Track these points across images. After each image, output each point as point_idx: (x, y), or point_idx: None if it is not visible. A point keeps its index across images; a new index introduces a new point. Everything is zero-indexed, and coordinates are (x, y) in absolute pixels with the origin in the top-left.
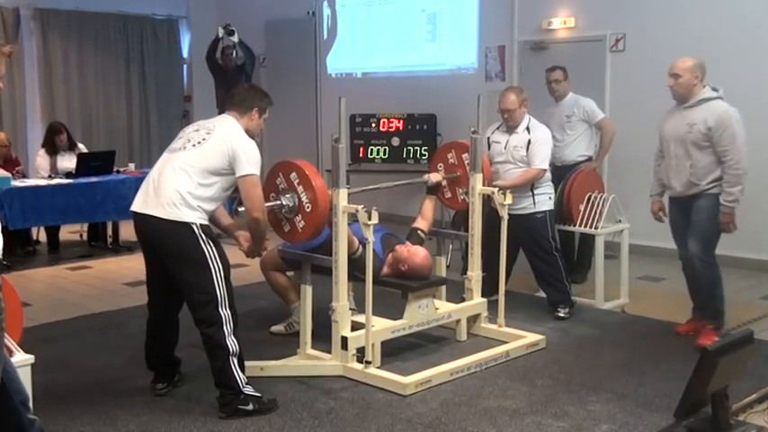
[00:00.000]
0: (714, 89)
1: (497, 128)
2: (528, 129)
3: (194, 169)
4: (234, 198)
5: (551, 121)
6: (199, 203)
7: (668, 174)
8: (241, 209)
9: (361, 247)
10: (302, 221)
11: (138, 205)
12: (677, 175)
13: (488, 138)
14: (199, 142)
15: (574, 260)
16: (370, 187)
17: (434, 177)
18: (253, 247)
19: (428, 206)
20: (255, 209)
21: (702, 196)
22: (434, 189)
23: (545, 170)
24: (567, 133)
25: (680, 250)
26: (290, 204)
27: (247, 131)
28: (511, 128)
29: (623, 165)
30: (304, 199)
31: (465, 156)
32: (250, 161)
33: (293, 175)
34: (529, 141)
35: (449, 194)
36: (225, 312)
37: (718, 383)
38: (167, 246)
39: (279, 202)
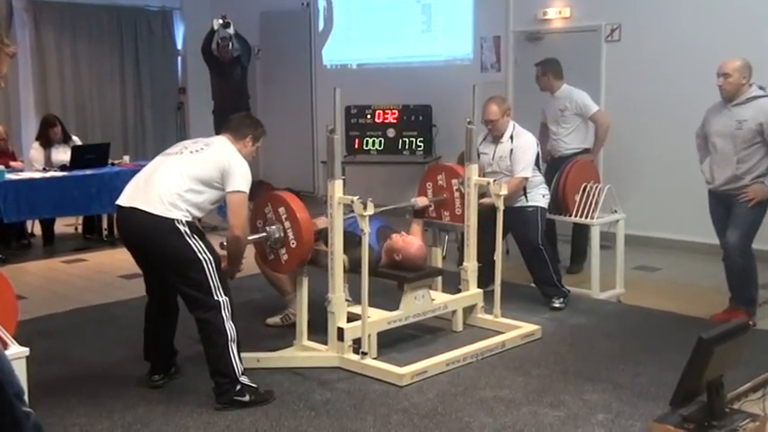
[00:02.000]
0: (761, 87)
1: (484, 138)
2: (512, 137)
3: (188, 174)
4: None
5: (548, 113)
6: (187, 207)
7: (712, 168)
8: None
9: (345, 260)
10: (286, 255)
11: (124, 199)
12: (722, 169)
13: (477, 149)
14: (196, 151)
15: (574, 251)
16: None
17: (421, 201)
18: (228, 269)
19: (415, 230)
20: (239, 226)
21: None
22: (421, 212)
23: (527, 178)
24: (562, 127)
25: (721, 242)
26: (276, 236)
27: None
28: (496, 138)
29: (619, 155)
30: (290, 234)
31: (454, 181)
32: (243, 178)
33: (282, 210)
34: (511, 150)
35: (434, 214)
36: (222, 298)
37: (714, 372)
38: (154, 244)
39: (265, 234)
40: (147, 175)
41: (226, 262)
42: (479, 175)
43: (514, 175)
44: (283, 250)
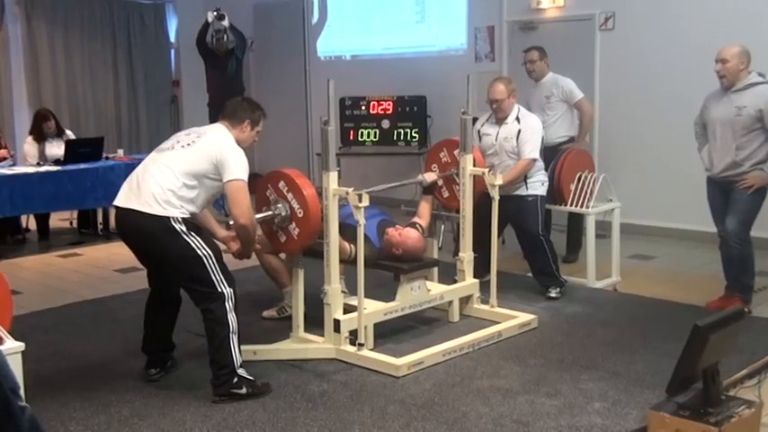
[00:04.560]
0: (760, 74)
1: (487, 120)
2: (518, 119)
3: (180, 170)
4: (219, 200)
5: (532, 102)
6: (182, 203)
7: (711, 155)
8: (231, 222)
9: (352, 249)
10: (296, 228)
11: (120, 200)
12: (722, 156)
13: (479, 131)
14: (188, 144)
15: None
16: (364, 191)
17: (429, 177)
18: (242, 251)
19: (425, 207)
20: (242, 215)
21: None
22: (430, 189)
23: (536, 160)
24: (548, 114)
25: (718, 229)
26: (283, 213)
27: (238, 142)
28: (500, 119)
29: (614, 143)
30: (295, 205)
31: (457, 152)
32: (237, 166)
33: (281, 184)
34: (519, 131)
35: (447, 194)
36: (226, 290)
37: (709, 359)
38: (152, 244)
39: (270, 213)
40: (141, 173)
41: (237, 244)
42: (480, 157)
43: (522, 156)
44: (293, 225)
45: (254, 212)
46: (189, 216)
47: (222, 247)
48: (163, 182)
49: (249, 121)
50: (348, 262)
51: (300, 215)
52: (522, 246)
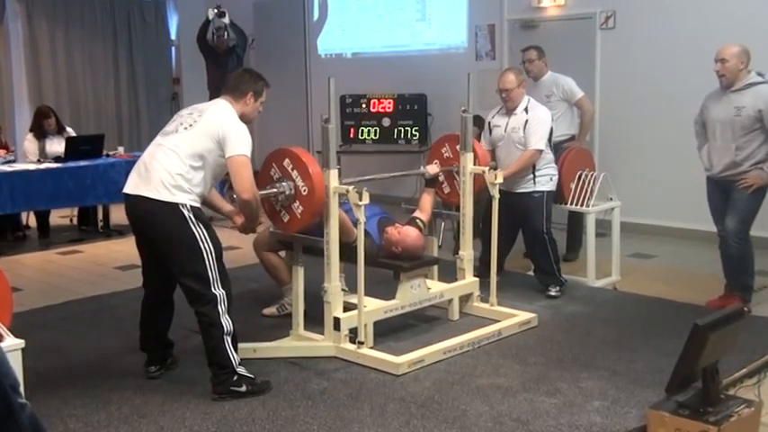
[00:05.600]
0: (760, 74)
1: (497, 111)
2: (527, 109)
3: (185, 152)
4: (225, 181)
5: None
6: (190, 186)
7: (711, 155)
8: (234, 196)
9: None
10: (300, 206)
11: (129, 187)
12: (721, 156)
13: (489, 122)
14: (191, 125)
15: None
16: (366, 178)
17: (432, 170)
18: (245, 224)
19: (427, 200)
20: (245, 190)
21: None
22: (433, 182)
23: (541, 150)
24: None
25: (718, 228)
26: (287, 192)
27: (243, 116)
28: (510, 110)
29: (614, 142)
30: (300, 183)
31: (458, 146)
32: (240, 141)
33: (286, 162)
34: (526, 121)
35: (448, 189)
36: (219, 291)
37: (709, 359)
38: (158, 228)
39: (275, 190)
40: (148, 159)
41: (242, 219)
42: (490, 150)
43: (528, 147)
44: (297, 203)
45: (256, 187)
46: (198, 203)
47: (228, 224)
48: (170, 167)
49: (252, 93)
50: (351, 250)
51: (305, 193)
52: (526, 243)
